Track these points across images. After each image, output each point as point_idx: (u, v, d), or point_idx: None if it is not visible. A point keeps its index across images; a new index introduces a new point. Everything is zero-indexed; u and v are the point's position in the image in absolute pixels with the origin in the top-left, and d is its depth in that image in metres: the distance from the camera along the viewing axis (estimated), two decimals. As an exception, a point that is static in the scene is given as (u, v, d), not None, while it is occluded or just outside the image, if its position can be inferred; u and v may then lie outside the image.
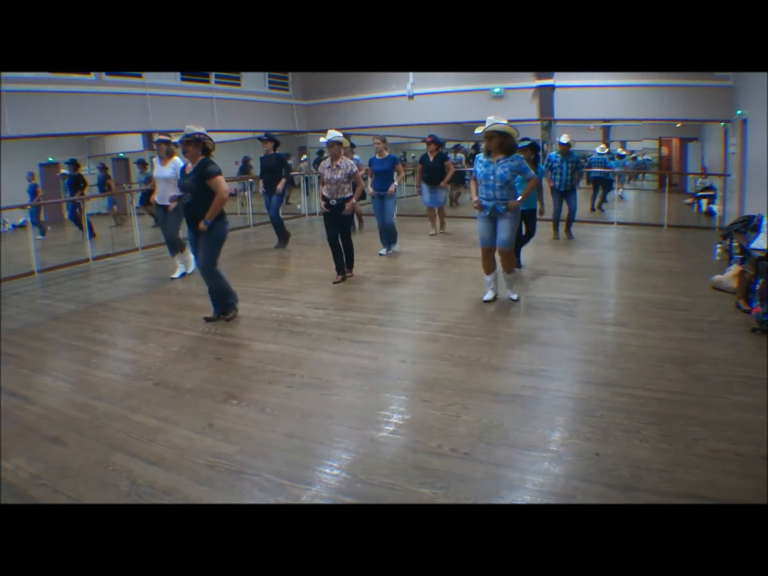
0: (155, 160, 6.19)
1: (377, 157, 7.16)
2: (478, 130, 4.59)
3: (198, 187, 4.21)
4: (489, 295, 4.91)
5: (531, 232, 6.23)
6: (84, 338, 4.40)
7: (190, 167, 4.35)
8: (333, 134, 5.58)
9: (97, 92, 8.67)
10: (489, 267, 4.87)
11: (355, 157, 8.58)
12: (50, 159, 13.37)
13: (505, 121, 4.52)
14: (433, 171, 8.06)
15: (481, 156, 4.71)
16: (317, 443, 2.68)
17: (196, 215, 4.27)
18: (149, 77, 9.32)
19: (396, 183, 7.15)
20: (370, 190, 7.17)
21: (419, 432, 2.74)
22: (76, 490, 2.33)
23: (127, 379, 3.58)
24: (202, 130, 4.31)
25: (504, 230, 4.65)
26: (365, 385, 3.32)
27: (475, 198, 4.73)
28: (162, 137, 6.08)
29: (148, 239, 9.28)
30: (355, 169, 5.61)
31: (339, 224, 5.75)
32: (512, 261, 4.89)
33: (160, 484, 2.37)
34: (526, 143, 6.02)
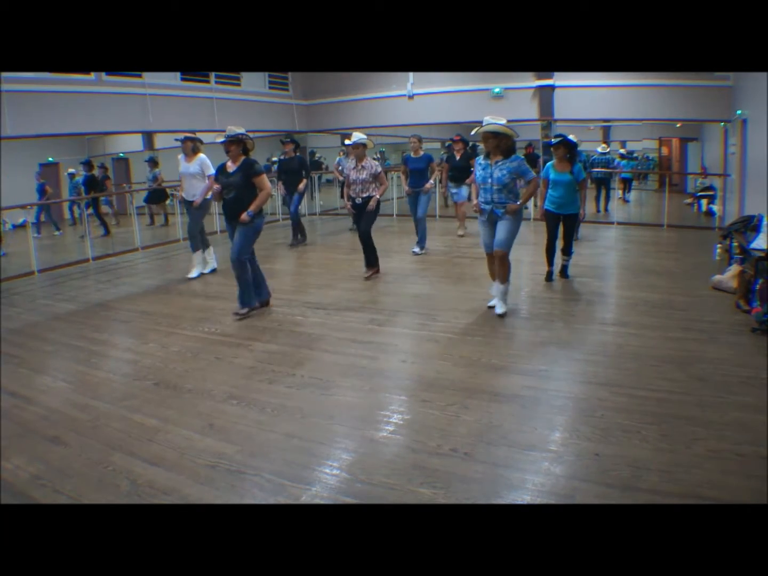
0: (180, 157, 6.26)
1: (412, 155, 7.35)
2: (475, 131, 4.51)
3: (244, 184, 4.51)
4: (495, 301, 4.63)
5: (568, 242, 5.64)
6: (84, 338, 4.40)
7: (230, 166, 4.59)
8: (358, 136, 5.76)
9: (97, 92, 8.66)
10: (494, 272, 4.62)
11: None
12: (50, 159, 13.37)
13: (503, 121, 4.32)
14: (459, 170, 8.11)
15: (480, 158, 4.54)
16: (317, 443, 2.68)
17: (238, 209, 4.53)
18: (149, 77, 9.31)
19: (432, 181, 7.33)
20: (406, 188, 7.43)
21: (419, 432, 2.74)
22: (76, 490, 2.33)
23: (127, 379, 3.58)
24: (242, 131, 4.58)
25: (502, 230, 4.42)
26: (365, 385, 3.32)
27: (474, 201, 4.58)
28: (187, 135, 6.21)
29: (148, 239, 9.29)
30: (380, 169, 5.76)
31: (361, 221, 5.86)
32: (506, 267, 4.51)
33: (160, 484, 2.37)
34: (558, 140, 5.57)
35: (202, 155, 6.11)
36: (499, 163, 4.35)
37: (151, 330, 4.54)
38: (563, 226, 5.60)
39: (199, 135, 6.44)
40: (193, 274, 6.30)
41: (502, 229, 4.45)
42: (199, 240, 6.30)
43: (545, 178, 5.64)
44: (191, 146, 6.09)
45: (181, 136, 6.24)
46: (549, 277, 5.60)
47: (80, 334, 4.49)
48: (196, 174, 6.07)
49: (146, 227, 10.91)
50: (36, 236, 10.11)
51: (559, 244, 5.65)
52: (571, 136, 6.20)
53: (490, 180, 4.38)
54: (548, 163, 5.72)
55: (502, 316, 4.46)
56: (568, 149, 5.50)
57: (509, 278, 4.59)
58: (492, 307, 4.62)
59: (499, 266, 4.51)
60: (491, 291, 4.68)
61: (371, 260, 5.97)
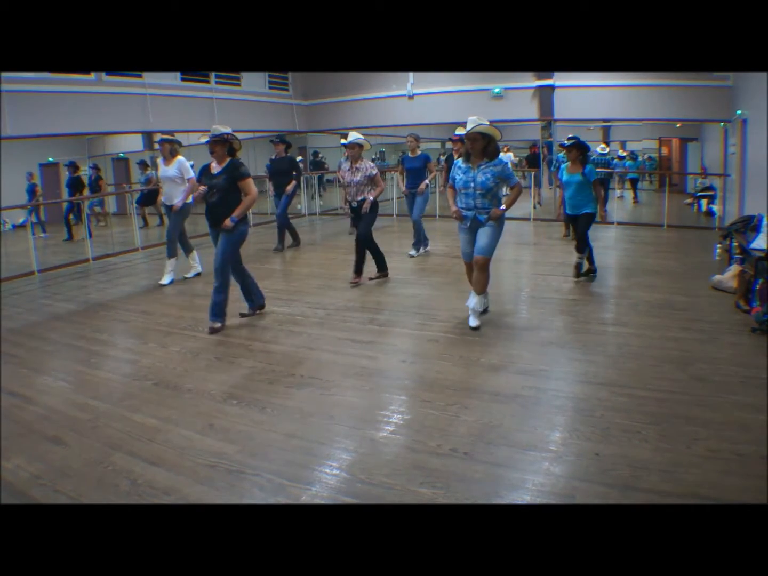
0: (159, 160, 6.16)
1: (410, 155, 7.21)
2: (460, 131, 4.32)
3: (228, 186, 4.25)
4: (474, 322, 4.22)
5: (578, 239, 5.57)
6: (84, 338, 4.40)
7: (215, 167, 4.33)
8: (354, 136, 5.57)
9: (97, 92, 8.66)
10: None
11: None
12: (50, 159, 13.36)
13: (487, 122, 4.08)
14: None
15: (459, 161, 4.25)
16: (317, 443, 2.68)
17: (222, 214, 4.25)
18: (149, 77, 9.31)
19: (427, 182, 7.16)
20: (403, 188, 7.32)
21: (419, 432, 2.74)
22: (76, 490, 2.34)
23: (127, 379, 3.58)
24: (228, 130, 4.31)
25: (483, 236, 4.12)
26: (365, 385, 3.32)
27: (454, 208, 4.27)
28: (165, 137, 6.07)
29: (148, 239, 9.29)
30: (375, 171, 5.56)
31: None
32: (486, 277, 4.21)
33: (160, 484, 2.37)
34: (571, 142, 5.52)
35: (180, 158, 5.91)
36: (482, 167, 4.10)
37: (151, 330, 4.54)
38: (575, 224, 5.73)
39: (196, 135, 6.37)
40: (166, 280, 6.08)
41: (483, 235, 4.14)
42: (175, 246, 6.11)
43: (560, 179, 5.76)
44: (169, 149, 5.90)
45: (158, 137, 6.16)
46: (578, 269, 5.67)
47: (80, 334, 4.49)
48: (174, 177, 5.87)
49: (139, 229, 10.88)
50: (35, 236, 10.10)
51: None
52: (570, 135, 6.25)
53: (472, 184, 4.11)
54: (562, 166, 5.82)
55: (475, 329, 4.16)
56: (581, 151, 5.55)
57: (487, 289, 4.30)
58: (475, 328, 4.20)
59: (479, 274, 4.18)
60: (468, 304, 4.27)
61: (381, 263, 5.83)
